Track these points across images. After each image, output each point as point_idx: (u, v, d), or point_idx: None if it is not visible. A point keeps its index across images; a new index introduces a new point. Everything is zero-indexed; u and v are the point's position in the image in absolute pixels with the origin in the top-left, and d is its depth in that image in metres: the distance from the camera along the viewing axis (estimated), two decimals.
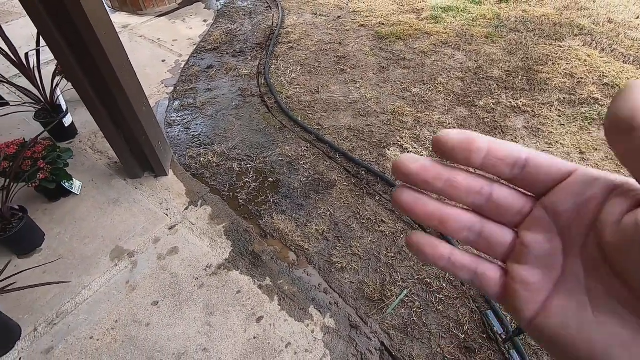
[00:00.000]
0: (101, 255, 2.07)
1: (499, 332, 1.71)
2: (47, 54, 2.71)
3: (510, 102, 3.00)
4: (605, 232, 0.21)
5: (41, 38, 1.84)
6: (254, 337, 1.73)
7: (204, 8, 4.80)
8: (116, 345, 1.71)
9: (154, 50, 3.94)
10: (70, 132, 2.80)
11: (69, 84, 2.54)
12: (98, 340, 1.73)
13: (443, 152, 0.25)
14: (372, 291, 1.90)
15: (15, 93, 3.01)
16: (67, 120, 2.72)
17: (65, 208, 2.31)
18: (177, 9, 4.79)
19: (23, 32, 4.00)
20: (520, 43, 3.71)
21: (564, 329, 0.23)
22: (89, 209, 2.31)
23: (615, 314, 0.21)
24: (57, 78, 2.60)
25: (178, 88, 3.37)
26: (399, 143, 2.69)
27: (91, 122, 2.64)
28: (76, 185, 2.36)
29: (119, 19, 4.54)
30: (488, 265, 0.27)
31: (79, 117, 2.96)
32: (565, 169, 0.24)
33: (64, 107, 2.69)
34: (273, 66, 3.59)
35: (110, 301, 1.87)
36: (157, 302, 1.86)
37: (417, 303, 1.85)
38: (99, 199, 2.37)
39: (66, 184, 2.27)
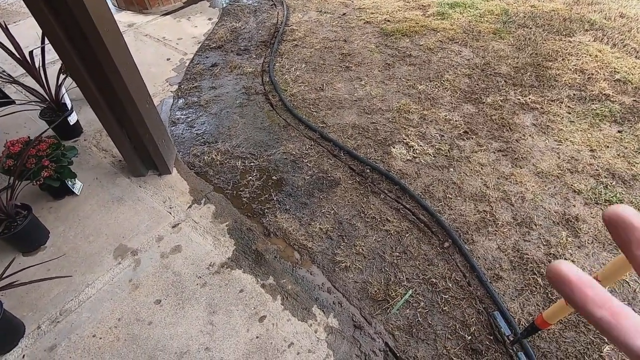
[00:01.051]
0: (105, 253, 2.07)
1: (507, 334, 1.67)
2: (52, 54, 2.71)
3: (519, 99, 2.94)
4: None
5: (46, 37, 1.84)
6: (257, 337, 1.71)
7: (209, 6, 4.79)
8: (119, 344, 1.70)
9: (159, 49, 3.94)
10: (75, 130, 2.81)
11: (74, 82, 2.55)
12: (101, 338, 1.73)
13: (618, 229, 0.23)
14: (376, 291, 1.87)
15: (21, 92, 3.03)
16: (72, 119, 2.73)
17: (69, 206, 2.32)
18: (182, 7, 4.80)
19: (30, 32, 4.02)
20: (529, 39, 3.64)
21: None
22: (93, 207, 2.32)
23: None
24: (62, 77, 2.61)
25: (182, 86, 3.37)
26: (405, 141, 2.65)
27: (96, 121, 2.64)
28: (77, 185, 2.36)
29: (124, 17, 4.55)
30: None
31: (84, 115, 2.97)
32: None
33: (69, 106, 2.70)
34: (277, 64, 3.57)
35: (113, 299, 1.86)
36: (160, 301, 1.85)
37: (422, 303, 1.81)
38: (103, 197, 2.37)
39: (69, 182, 2.27)
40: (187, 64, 3.66)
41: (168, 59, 3.76)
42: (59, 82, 2.61)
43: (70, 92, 2.81)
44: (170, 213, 2.27)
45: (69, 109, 2.69)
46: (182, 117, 3.03)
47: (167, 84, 3.41)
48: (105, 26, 1.79)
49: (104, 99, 2.06)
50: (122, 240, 2.13)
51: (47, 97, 2.61)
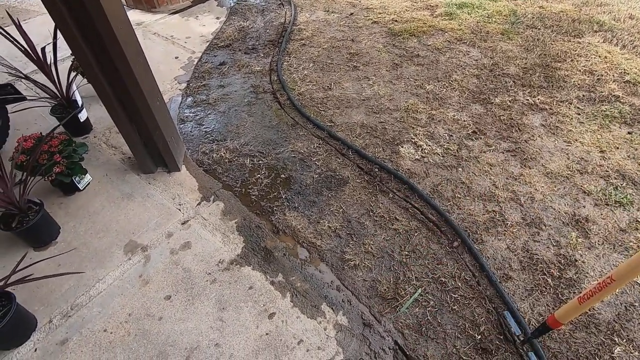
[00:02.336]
0: (115, 248, 2.08)
1: (517, 334, 1.66)
2: (63, 51, 2.74)
3: (528, 100, 2.94)
4: None
5: (58, 32, 1.86)
6: (266, 334, 1.72)
7: (217, 5, 4.81)
8: (129, 339, 1.71)
9: (167, 47, 3.96)
10: (86, 127, 2.83)
11: (84, 79, 2.57)
12: (112, 333, 1.74)
13: None
14: (385, 289, 1.87)
15: (32, 89, 3.06)
16: (83, 116, 2.75)
17: (80, 202, 2.33)
18: (190, 6, 4.82)
19: (41, 29, 4.05)
20: (538, 39, 3.63)
21: None
22: (103, 203, 2.33)
23: None
24: (73, 74, 2.63)
25: (191, 84, 3.39)
26: (413, 140, 2.65)
27: (106, 118, 2.67)
28: (83, 181, 2.37)
29: (132, 16, 4.58)
30: None
31: (93, 112, 2.99)
32: None
33: (80, 103, 2.72)
34: (285, 63, 3.58)
35: (123, 294, 1.88)
36: (170, 297, 1.86)
37: (431, 302, 1.81)
38: (113, 193, 2.39)
39: (76, 178, 2.28)
40: (195, 63, 3.68)
41: (176, 58, 3.78)
42: (70, 79, 2.63)
43: (80, 89, 2.83)
44: (179, 210, 2.28)
45: (80, 106, 2.71)
46: (191, 115, 3.05)
47: (176, 82, 3.43)
48: (118, 23, 1.80)
49: (116, 96, 2.07)
50: (132, 236, 2.14)
51: (58, 93, 2.64)
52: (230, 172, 2.53)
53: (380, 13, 4.30)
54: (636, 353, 1.61)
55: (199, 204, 2.32)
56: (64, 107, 2.69)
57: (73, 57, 2.30)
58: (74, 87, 2.70)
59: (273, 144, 2.71)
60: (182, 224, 2.20)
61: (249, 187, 2.42)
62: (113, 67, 1.91)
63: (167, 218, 2.23)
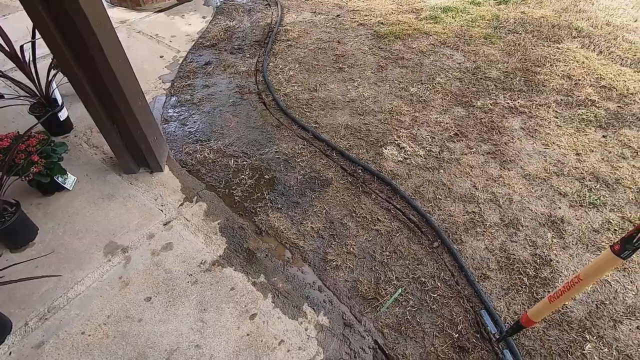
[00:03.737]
0: (94, 250, 2.05)
1: (493, 332, 1.71)
2: (43, 48, 2.68)
3: (508, 103, 3.01)
4: None
5: (37, 31, 1.83)
6: (247, 334, 1.72)
7: (203, 4, 4.78)
8: (108, 341, 1.69)
9: (152, 46, 3.92)
10: (66, 126, 2.78)
11: (65, 77, 2.52)
12: (90, 335, 1.72)
13: None
14: (366, 289, 1.89)
15: (10, 86, 2.98)
16: (63, 115, 2.70)
17: (59, 202, 2.29)
18: (176, 5, 4.77)
19: (19, 25, 3.95)
20: (519, 44, 3.71)
21: None
22: (83, 203, 2.30)
23: None
24: (53, 72, 2.58)
25: (175, 84, 3.36)
26: (396, 142, 2.69)
27: (87, 117, 2.62)
28: (69, 180, 2.34)
29: (117, 14, 4.51)
30: None
31: (74, 111, 2.94)
32: None
33: (59, 101, 2.67)
34: (271, 64, 3.58)
35: (102, 296, 1.85)
36: (150, 298, 1.85)
37: (411, 302, 1.84)
38: (94, 193, 2.35)
39: (59, 178, 2.25)
40: (180, 62, 3.65)
41: (161, 56, 3.74)
42: (50, 77, 2.58)
43: (60, 87, 2.78)
44: (161, 211, 2.26)
45: (60, 104, 2.66)
46: (175, 114, 3.02)
47: (160, 81, 3.39)
48: (98, 21, 1.78)
49: (96, 95, 2.04)
50: (113, 237, 2.12)
51: (37, 92, 2.58)
52: (213, 173, 2.52)
53: (366, 15, 4.34)
54: (606, 349, 1.67)
55: (181, 204, 2.31)
56: (43, 105, 2.63)
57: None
58: (54, 85, 2.65)
59: (257, 145, 2.71)
60: (164, 224, 2.18)
61: (233, 187, 2.41)
62: (93, 66, 1.89)
63: (148, 219, 2.21)
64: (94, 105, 2.06)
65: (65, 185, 2.29)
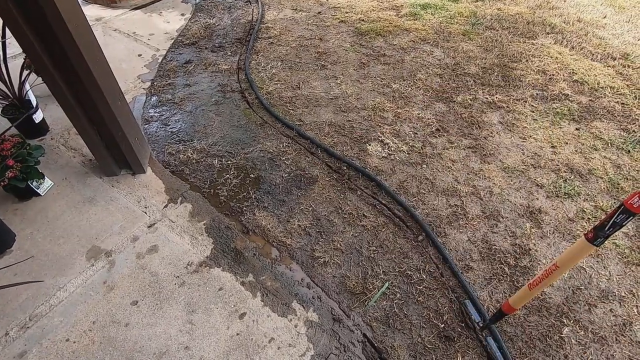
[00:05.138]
0: (77, 255, 2.00)
1: (477, 321, 1.77)
2: (14, 48, 2.59)
3: (487, 98, 3.09)
4: None
5: (7, 30, 1.76)
6: (237, 334, 1.72)
7: (182, 1, 4.69)
8: (94, 347, 1.66)
9: (130, 45, 3.82)
10: (41, 128, 2.69)
11: (39, 78, 2.44)
12: (75, 342, 1.68)
13: None
14: (354, 284, 1.92)
15: None
16: (38, 117, 2.61)
17: (37, 208, 2.23)
18: (154, 1, 4.66)
19: None
20: (496, 40, 3.81)
21: None
22: (63, 208, 2.23)
23: None
24: (26, 72, 2.49)
25: (155, 83, 3.29)
26: (380, 138, 2.72)
27: (63, 119, 2.55)
28: (44, 185, 2.26)
29: (91, 11, 4.38)
30: None
31: (50, 113, 2.84)
32: None
33: (34, 103, 2.58)
34: (253, 61, 3.55)
35: (87, 302, 1.82)
36: (137, 302, 1.82)
37: (398, 295, 1.88)
38: (74, 197, 2.29)
39: (33, 183, 2.18)
40: (159, 61, 3.58)
41: (139, 55, 3.66)
42: (23, 78, 2.49)
43: (34, 88, 2.68)
44: (145, 213, 2.23)
45: (34, 106, 2.57)
46: (156, 115, 2.97)
47: (139, 81, 3.32)
48: (74, 20, 1.73)
49: (74, 96, 1.99)
50: (95, 241, 2.07)
51: (9, 93, 2.49)
52: (198, 173, 2.49)
53: (347, 12, 4.36)
54: (582, 332, 1.75)
55: (165, 206, 2.28)
56: (17, 107, 2.54)
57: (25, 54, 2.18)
58: (27, 86, 2.56)
59: (242, 144, 2.70)
60: (149, 227, 2.15)
61: (218, 187, 2.40)
62: (69, 65, 1.84)
63: (132, 221, 2.17)
64: (72, 107, 2.01)
65: (38, 191, 2.22)
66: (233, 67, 3.49)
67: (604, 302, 1.85)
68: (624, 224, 1.04)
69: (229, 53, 3.70)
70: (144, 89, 3.24)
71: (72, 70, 1.86)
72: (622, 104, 3.03)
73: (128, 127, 2.25)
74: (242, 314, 1.79)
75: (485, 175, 2.46)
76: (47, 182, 2.31)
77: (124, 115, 2.22)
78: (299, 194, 2.35)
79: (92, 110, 2.07)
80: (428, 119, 2.89)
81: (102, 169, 2.43)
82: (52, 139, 2.70)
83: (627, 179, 2.44)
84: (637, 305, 1.84)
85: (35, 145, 2.23)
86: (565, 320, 1.79)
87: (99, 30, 4.01)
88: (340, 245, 2.09)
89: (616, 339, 1.73)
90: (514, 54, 3.59)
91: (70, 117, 2.08)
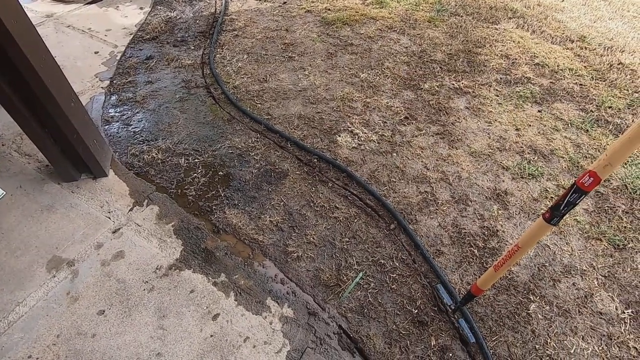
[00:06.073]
0: (36, 266, 1.90)
1: (449, 304, 1.81)
2: None
3: (453, 84, 3.13)
4: None
5: None
6: (211, 336, 1.69)
7: None
8: None
9: (85, 41, 3.62)
10: None
11: None
12: (38, 358, 1.60)
13: None
14: (328, 277, 1.92)
15: None
16: None
17: None
18: None
19: None
20: (460, 26, 3.85)
21: None
22: (19, 218, 2.11)
23: None
24: None
25: (115, 81, 3.14)
26: (349, 129, 2.71)
27: (14, 123, 2.39)
28: None
29: (41, 7, 4.11)
30: None
31: None
32: None
33: None
34: (218, 55, 3.45)
35: (49, 315, 1.73)
36: (104, 311, 1.75)
37: (372, 284, 1.90)
38: (30, 206, 2.17)
39: None
40: (118, 58, 3.41)
41: (96, 52, 3.48)
42: None
43: None
44: (109, 218, 2.13)
45: None
46: (117, 114, 2.84)
47: (97, 80, 3.16)
48: (11, 15, 1.61)
49: (21, 100, 1.86)
50: (56, 251, 1.97)
51: None
52: (164, 174, 2.41)
53: (313, 2, 4.29)
54: (548, 307, 1.82)
55: (131, 209, 2.19)
56: None
57: None
58: None
59: (209, 141, 2.62)
60: (113, 232, 2.07)
61: (185, 187, 2.33)
62: (11, 67, 1.71)
63: (95, 228, 2.08)
64: (19, 111, 1.88)
65: None
66: (197, 62, 3.38)
67: (567, 277, 1.93)
68: (577, 202, 1.07)
69: (192, 47, 3.57)
70: (102, 87, 3.08)
71: (15, 72, 1.73)
72: (580, 84, 3.14)
73: (84, 129, 2.14)
74: (216, 315, 1.76)
75: (453, 161, 2.50)
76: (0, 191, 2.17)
77: (79, 117, 2.10)
78: (270, 189, 2.32)
79: (43, 114, 1.95)
80: (397, 107, 2.90)
81: (59, 175, 2.31)
82: (3, 145, 2.53)
83: (586, 157, 2.54)
84: (597, 278, 1.93)
85: None
86: (531, 297, 1.85)
87: (50, 26, 3.77)
88: (313, 238, 2.08)
89: (579, 311, 1.81)
90: (478, 40, 3.65)
91: (19, 123, 1.95)
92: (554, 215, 1.13)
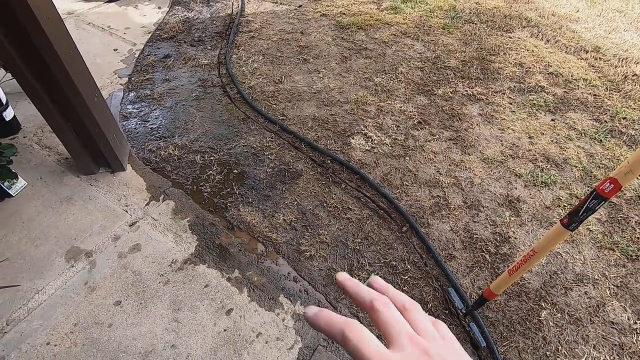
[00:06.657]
0: (55, 256, 1.94)
1: (460, 307, 1.82)
2: None
3: (467, 91, 3.14)
4: None
5: None
6: (224, 330, 1.71)
7: None
8: (76, 349, 1.63)
9: (105, 39, 3.70)
10: (13, 126, 2.58)
11: (9, 74, 2.34)
12: (56, 345, 1.64)
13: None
14: None
15: None
16: (8, 114, 2.51)
17: (10, 209, 2.14)
18: None
19: None
20: (475, 34, 3.87)
21: None
22: (39, 208, 2.16)
23: None
24: None
25: (133, 79, 3.20)
26: (363, 132, 2.74)
27: (36, 116, 2.46)
28: (17, 185, 2.18)
29: (62, 4, 4.20)
30: None
31: (21, 110, 2.73)
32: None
33: (4, 100, 2.47)
34: (234, 56, 3.50)
35: (67, 304, 1.77)
36: (120, 302, 1.79)
37: None
38: (50, 197, 2.22)
39: (5, 183, 2.09)
40: (137, 55, 3.48)
41: (115, 50, 3.55)
42: None
43: (3, 84, 2.57)
44: (126, 211, 2.18)
45: (4, 103, 2.46)
46: (135, 111, 2.89)
47: (116, 76, 3.22)
48: (44, 13, 1.66)
49: (47, 93, 1.91)
50: (74, 242, 2.01)
51: None
52: (180, 170, 2.45)
53: (328, 6, 4.34)
54: (559, 315, 1.82)
55: (147, 204, 2.23)
56: None
57: None
58: None
59: (224, 139, 2.67)
60: (130, 225, 2.11)
61: (201, 184, 2.37)
62: (41, 61, 1.77)
63: (112, 221, 2.12)
64: (46, 104, 1.93)
65: (9, 192, 2.14)
66: (213, 62, 3.43)
67: (579, 285, 1.94)
68: (596, 208, 1.09)
69: (209, 47, 3.63)
70: (121, 84, 3.14)
71: (44, 66, 1.79)
72: (594, 95, 3.14)
73: (105, 124, 2.19)
74: (229, 310, 1.79)
75: (466, 167, 2.52)
76: (21, 182, 2.22)
77: (101, 112, 2.15)
78: (284, 188, 2.35)
79: (67, 108, 2.00)
80: (410, 112, 2.92)
81: (79, 168, 2.36)
82: (25, 137, 2.59)
83: (599, 167, 2.54)
84: (609, 287, 1.93)
85: (6, 144, 2.14)
86: (543, 304, 1.86)
87: (71, 24, 3.86)
88: (325, 238, 2.10)
89: (590, 320, 1.81)
90: (492, 47, 3.66)
91: (44, 115, 2.01)
92: (573, 220, 1.15)
